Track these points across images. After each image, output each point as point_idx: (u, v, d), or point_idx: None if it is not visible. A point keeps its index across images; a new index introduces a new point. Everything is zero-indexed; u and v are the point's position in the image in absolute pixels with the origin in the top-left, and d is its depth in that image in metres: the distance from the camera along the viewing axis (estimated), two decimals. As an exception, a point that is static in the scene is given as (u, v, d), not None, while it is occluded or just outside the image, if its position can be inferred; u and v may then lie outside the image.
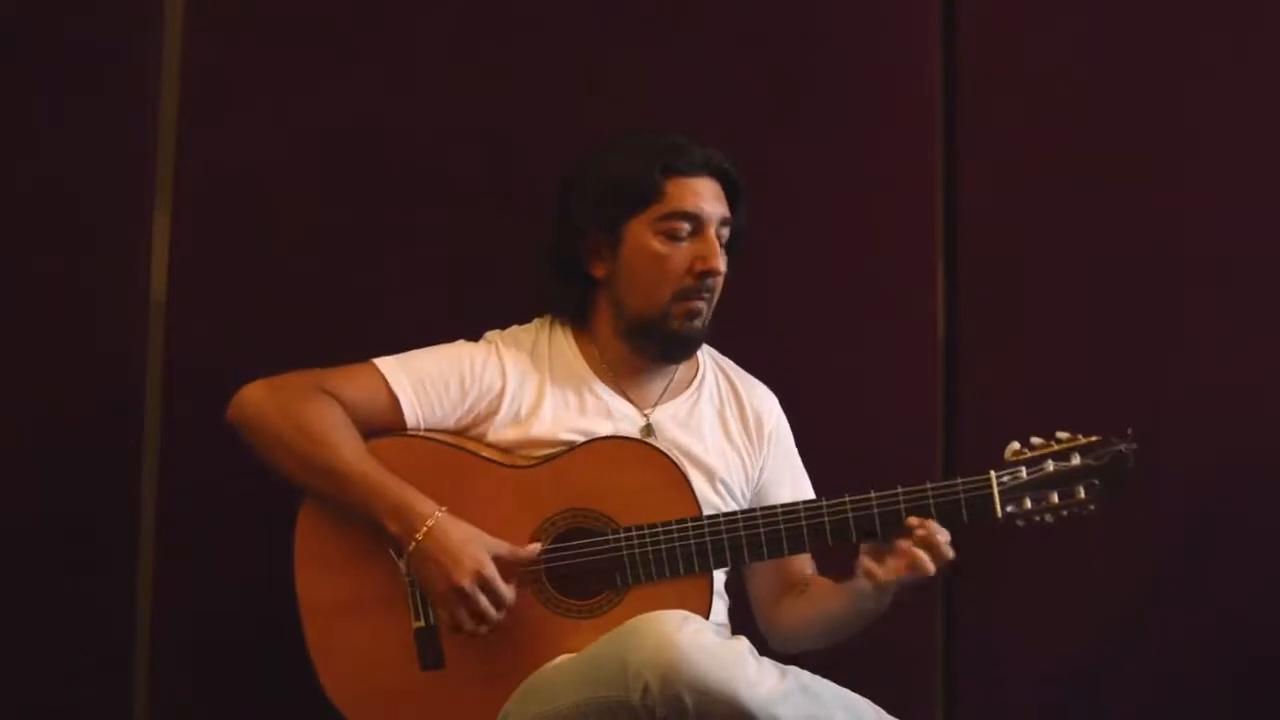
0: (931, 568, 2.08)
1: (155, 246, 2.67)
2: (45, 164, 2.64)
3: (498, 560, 2.12)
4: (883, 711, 1.99)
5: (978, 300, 2.75)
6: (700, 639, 1.90)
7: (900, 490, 2.13)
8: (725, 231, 2.28)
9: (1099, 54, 2.76)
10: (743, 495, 2.35)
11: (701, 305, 2.25)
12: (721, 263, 2.24)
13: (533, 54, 2.73)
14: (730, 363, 2.44)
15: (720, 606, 2.30)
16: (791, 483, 2.39)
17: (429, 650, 2.16)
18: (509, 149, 2.70)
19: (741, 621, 2.35)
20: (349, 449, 2.15)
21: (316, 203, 2.69)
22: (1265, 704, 2.65)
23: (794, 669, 1.96)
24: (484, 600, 2.10)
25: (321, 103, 2.71)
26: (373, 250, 2.69)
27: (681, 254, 2.23)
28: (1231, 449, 2.70)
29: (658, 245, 2.23)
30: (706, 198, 2.25)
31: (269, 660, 2.44)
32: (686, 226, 2.23)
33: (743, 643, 1.96)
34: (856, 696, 1.98)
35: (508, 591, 2.12)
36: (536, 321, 2.37)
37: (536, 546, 2.16)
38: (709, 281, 2.24)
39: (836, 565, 2.27)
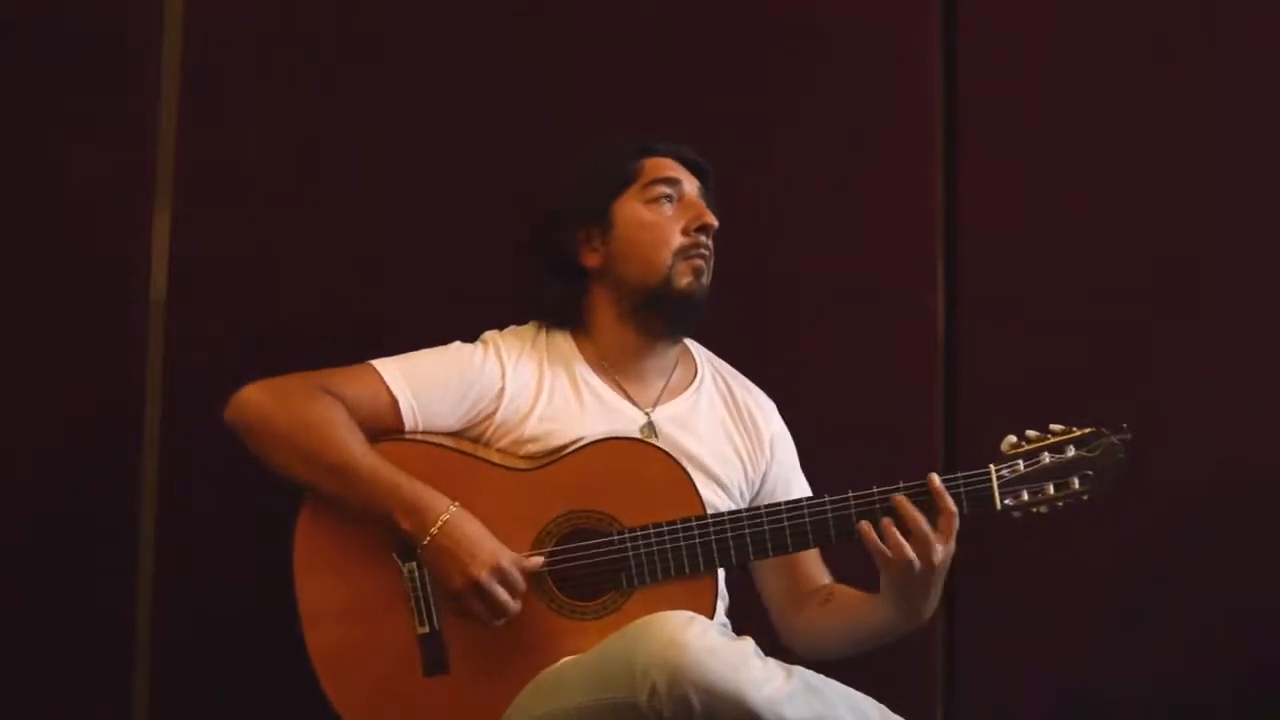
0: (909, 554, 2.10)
1: (155, 246, 2.67)
2: (45, 164, 2.64)
3: None
4: (887, 710, 1.99)
5: (978, 299, 2.76)
6: (707, 640, 1.90)
7: (902, 485, 2.14)
8: (704, 203, 2.34)
9: (1099, 53, 2.77)
10: (741, 497, 2.35)
11: (702, 263, 2.31)
12: (711, 218, 2.31)
13: (533, 55, 2.73)
14: (728, 367, 2.45)
15: (720, 606, 2.30)
16: (795, 489, 2.39)
17: (433, 655, 2.16)
18: (509, 149, 2.70)
19: (741, 620, 2.35)
20: (357, 447, 2.15)
21: (316, 203, 2.70)
22: (1267, 704, 2.65)
23: (799, 669, 1.96)
24: (502, 593, 2.11)
25: (321, 102, 2.71)
26: (372, 250, 2.69)
27: (671, 218, 2.31)
28: (1231, 447, 2.70)
29: (647, 214, 2.31)
30: (682, 172, 2.34)
31: (269, 660, 2.42)
32: (668, 190, 2.31)
33: (748, 643, 1.96)
34: (861, 695, 1.98)
35: (521, 581, 2.13)
36: (534, 323, 2.37)
37: (539, 560, 2.16)
38: (703, 238, 2.30)
39: (855, 575, 2.28)
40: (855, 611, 2.28)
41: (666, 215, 2.30)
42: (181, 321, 2.66)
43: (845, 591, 2.33)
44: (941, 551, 2.11)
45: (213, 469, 2.52)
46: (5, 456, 2.61)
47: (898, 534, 2.10)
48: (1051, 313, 2.74)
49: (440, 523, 2.11)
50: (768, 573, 2.37)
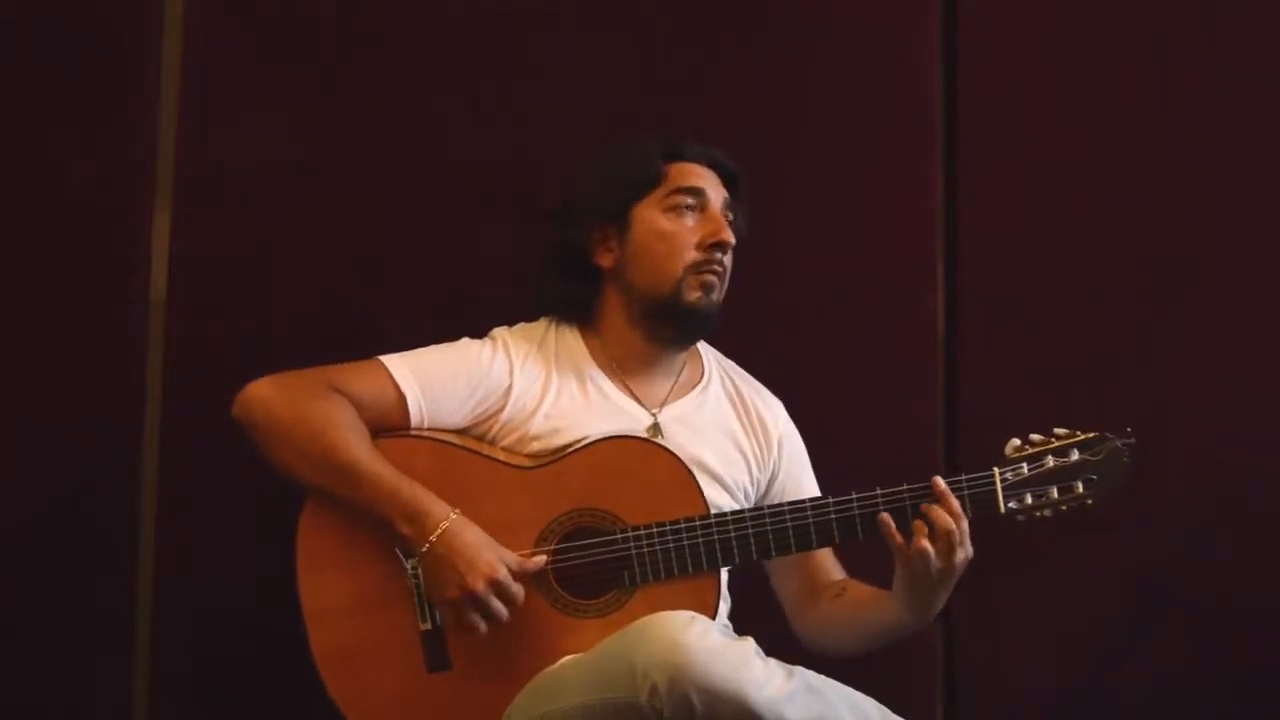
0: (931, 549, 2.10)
1: (155, 246, 2.67)
2: (45, 164, 2.64)
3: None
4: (888, 710, 1.99)
5: (978, 299, 2.76)
6: (707, 640, 1.90)
7: (905, 487, 2.15)
8: (730, 215, 2.31)
9: (1099, 53, 2.77)
10: (746, 497, 2.35)
11: (714, 280, 2.28)
12: (729, 235, 2.28)
13: (533, 55, 2.73)
14: (735, 367, 2.44)
15: (723, 608, 2.30)
16: (806, 488, 2.40)
17: (435, 652, 2.16)
18: (510, 148, 2.70)
19: (743, 623, 2.35)
20: (361, 448, 2.15)
21: (316, 203, 2.69)
22: (1268, 706, 2.65)
23: (800, 669, 1.96)
24: (497, 603, 2.11)
25: (321, 102, 2.71)
26: (373, 250, 2.69)
27: (689, 229, 2.28)
28: (1231, 447, 2.70)
29: (665, 223, 2.28)
30: (708, 180, 2.31)
31: (270, 660, 2.43)
32: (691, 200, 2.28)
33: (749, 643, 1.96)
34: (862, 696, 1.98)
35: (520, 593, 2.12)
36: (543, 320, 2.37)
37: (542, 559, 2.16)
38: (719, 255, 2.27)
39: (869, 573, 2.28)
40: (866, 608, 2.28)
41: (686, 226, 2.28)
42: (181, 321, 2.66)
43: (858, 587, 2.33)
44: (961, 552, 2.11)
45: (213, 469, 2.52)
46: (5, 456, 2.60)
47: (924, 540, 2.10)
48: (1051, 313, 2.74)
49: (440, 530, 2.11)
50: (782, 569, 2.37)
